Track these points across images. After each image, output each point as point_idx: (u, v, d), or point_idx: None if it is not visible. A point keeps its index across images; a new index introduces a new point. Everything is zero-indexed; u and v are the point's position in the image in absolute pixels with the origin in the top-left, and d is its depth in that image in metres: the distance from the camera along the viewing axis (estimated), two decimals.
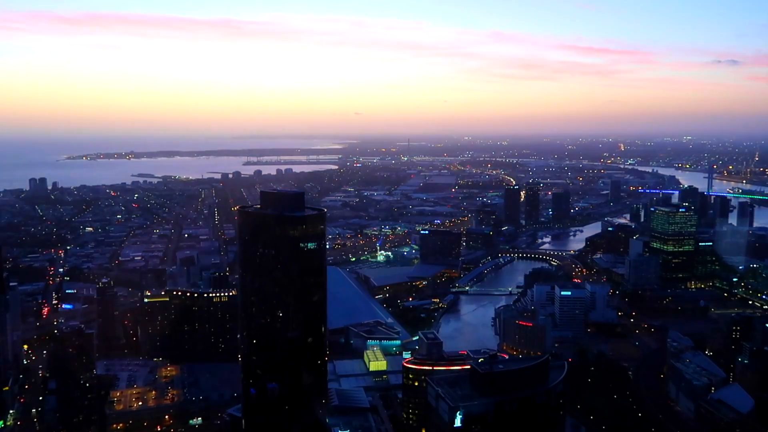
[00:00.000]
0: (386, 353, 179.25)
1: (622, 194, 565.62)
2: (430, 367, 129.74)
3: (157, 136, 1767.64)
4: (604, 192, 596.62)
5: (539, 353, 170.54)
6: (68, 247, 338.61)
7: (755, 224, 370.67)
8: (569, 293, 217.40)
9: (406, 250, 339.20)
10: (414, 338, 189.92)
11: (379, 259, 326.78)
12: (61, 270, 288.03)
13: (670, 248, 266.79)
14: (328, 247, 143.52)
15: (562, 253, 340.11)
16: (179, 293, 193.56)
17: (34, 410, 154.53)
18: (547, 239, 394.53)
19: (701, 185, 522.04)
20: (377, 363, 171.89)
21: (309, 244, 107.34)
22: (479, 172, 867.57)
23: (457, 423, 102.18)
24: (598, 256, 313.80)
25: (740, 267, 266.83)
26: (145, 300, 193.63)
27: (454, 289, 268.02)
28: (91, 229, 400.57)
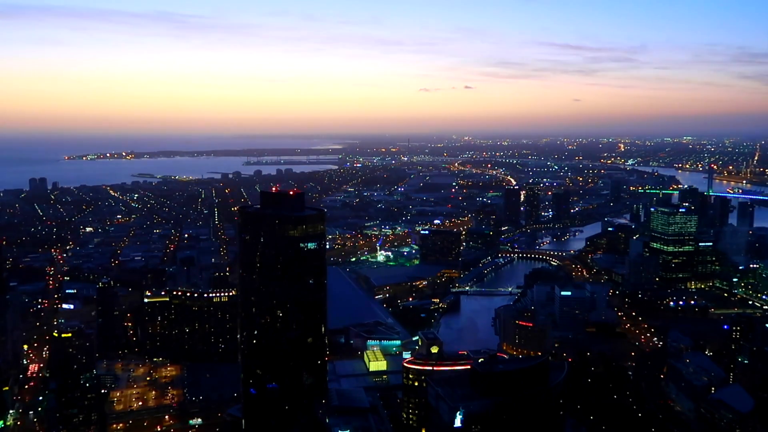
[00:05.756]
0: (386, 353, 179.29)
1: (622, 194, 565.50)
2: (430, 367, 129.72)
3: (156, 136, 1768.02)
4: (604, 192, 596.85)
5: (539, 353, 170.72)
6: (68, 247, 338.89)
7: (755, 224, 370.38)
8: (569, 293, 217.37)
9: (406, 250, 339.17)
10: (414, 338, 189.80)
11: (379, 259, 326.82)
12: (61, 270, 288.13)
13: (670, 248, 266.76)
14: (328, 247, 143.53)
15: (562, 253, 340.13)
16: (179, 293, 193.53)
17: (33, 410, 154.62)
18: (547, 239, 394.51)
19: (701, 185, 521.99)
20: (377, 363, 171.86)
21: (309, 244, 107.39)
22: (479, 172, 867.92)
23: (457, 423, 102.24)
24: (598, 256, 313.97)
25: (740, 267, 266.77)
26: (145, 300, 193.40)
27: (454, 289, 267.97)
28: (91, 229, 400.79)
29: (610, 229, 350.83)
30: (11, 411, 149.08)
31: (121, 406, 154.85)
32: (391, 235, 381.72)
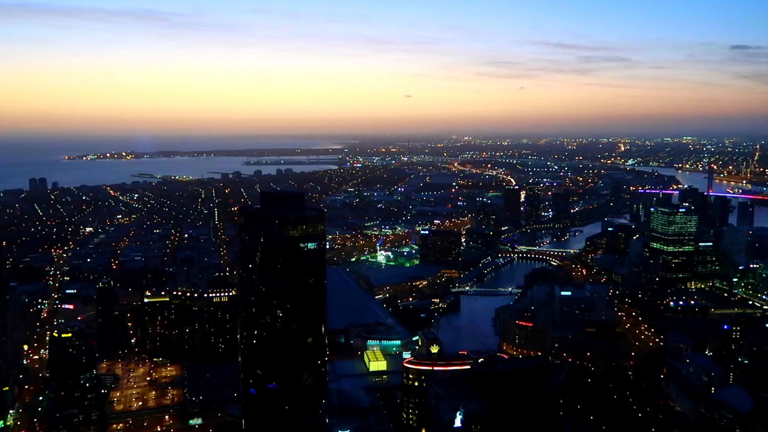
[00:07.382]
0: (386, 353, 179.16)
1: (622, 194, 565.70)
2: (430, 367, 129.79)
3: (157, 137, 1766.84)
4: (604, 192, 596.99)
5: (539, 353, 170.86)
6: (68, 247, 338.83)
7: (755, 224, 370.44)
8: (569, 293, 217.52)
9: (406, 250, 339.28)
10: (414, 338, 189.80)
11: (379, 259, 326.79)
12: (61, 270, 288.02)
13: (670, 248, 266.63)
14: (328, 247, 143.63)
15: (562, 253, 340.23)
16: (179, 293, 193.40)
17: (33, 410, 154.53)
18: (547, 239, 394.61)
19: (701, 185, 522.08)
20: (377, 363, 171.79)
21: (309, 244, 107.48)
22: (479, 172, 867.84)
23: (457, 423, 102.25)
24: (598, 256, 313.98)
25: (740, 267, 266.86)
26: (145, 300, 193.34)
27: (454, 289, 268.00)
28: (91, 229, 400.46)
29: (610, 229, 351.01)
30: (11, 411, 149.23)
31: (121, 406, 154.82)
32: (391, 235, 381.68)
